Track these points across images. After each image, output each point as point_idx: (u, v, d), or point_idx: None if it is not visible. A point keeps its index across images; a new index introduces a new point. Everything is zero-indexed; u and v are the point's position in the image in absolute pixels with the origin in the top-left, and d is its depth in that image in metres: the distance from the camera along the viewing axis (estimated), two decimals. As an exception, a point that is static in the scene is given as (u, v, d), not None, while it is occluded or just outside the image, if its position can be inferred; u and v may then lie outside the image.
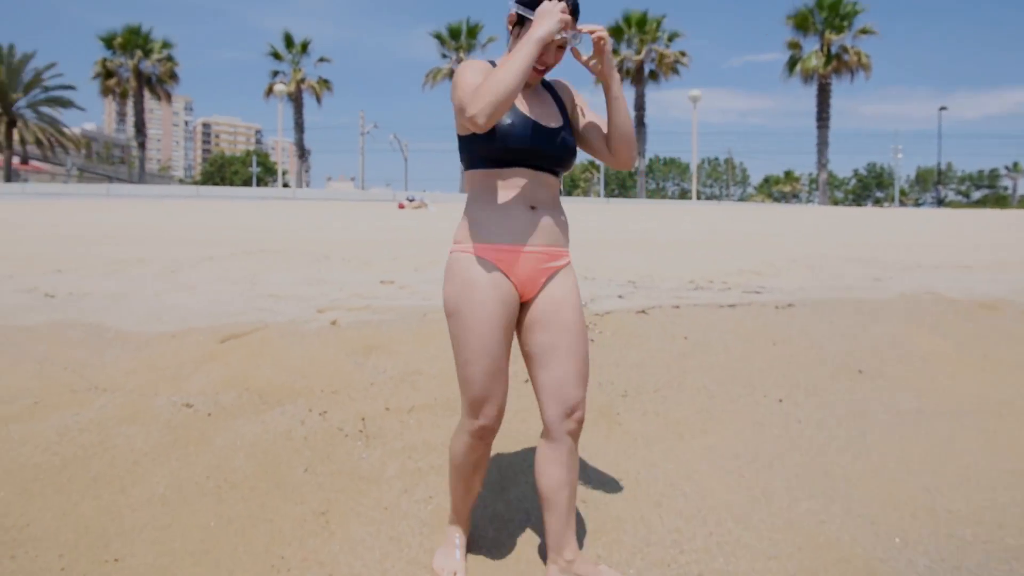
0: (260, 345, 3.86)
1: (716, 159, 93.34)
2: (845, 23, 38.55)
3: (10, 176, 41.99)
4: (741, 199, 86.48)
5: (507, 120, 2.05)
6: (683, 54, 39.24)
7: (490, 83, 1.88)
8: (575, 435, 2.14)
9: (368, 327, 4.14)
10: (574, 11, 2.04)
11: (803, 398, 3.67)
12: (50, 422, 2.99)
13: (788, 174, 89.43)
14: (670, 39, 39.15)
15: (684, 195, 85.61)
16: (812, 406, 3.58)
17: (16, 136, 41.80)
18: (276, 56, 44.31)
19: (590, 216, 21.60)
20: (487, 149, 2.07)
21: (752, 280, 6.87)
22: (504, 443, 2.94)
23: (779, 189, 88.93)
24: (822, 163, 41.52)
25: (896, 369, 4.18)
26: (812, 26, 38.95)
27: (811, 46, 39.59)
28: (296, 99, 45.03)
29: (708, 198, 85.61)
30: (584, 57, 2.05)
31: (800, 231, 16.55)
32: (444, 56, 42.85)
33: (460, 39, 41.83)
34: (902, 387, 3.94)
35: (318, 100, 45.83)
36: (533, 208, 2.08)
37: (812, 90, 40.34)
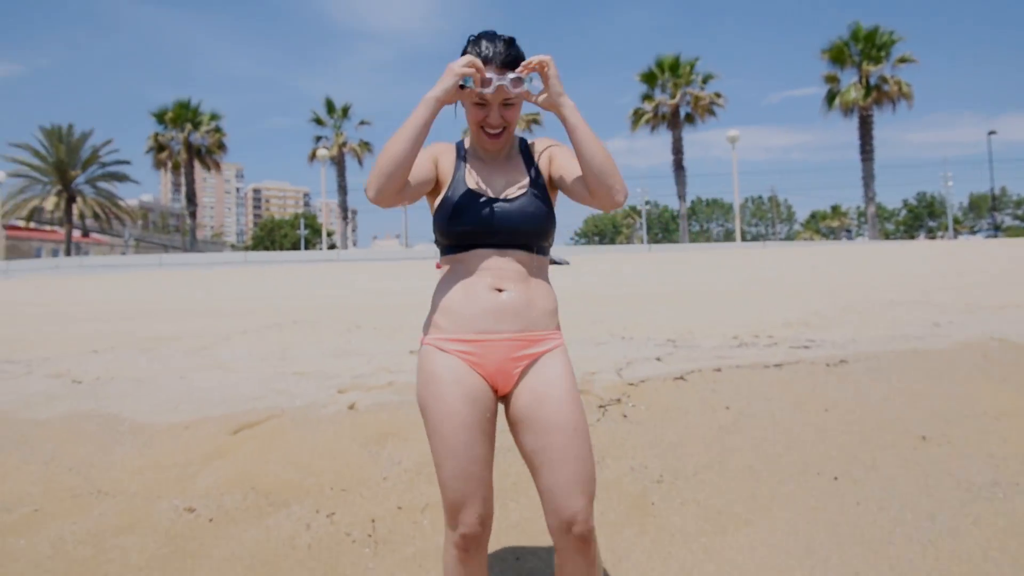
0: (272, 437, 3.67)
1: (760, 197, 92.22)
2: (883, 53, 37.94)
3: (70, 250, 43.76)
4: (788, 237, 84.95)
5: (453, 198, 1.90)
6: (718, 95, 39.08)
7: (379, 155, 1.78)
8: (583, 550, 1.81)
9: (386, 411, 3.93)
10: (497, 61, 1.85)
11: (862, 474, 3.30)
12: (47, 533, 2.83)
13: (835, 209, 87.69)
14: (704, 81, 39.06)
15: (729, 236, 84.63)
16: (872, 483, 3.21)
17: (76, 211, 43.64)
18: (319, 121, 45.67)
19: (629, 266, 21.29)
20: (439, 232, 1.93)
21: (800, 333, 6.48)
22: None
23: (827, 224, 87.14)
24: (869, 196, 40.48)
25: (964, 432, 3.77)
26: (849, 58, 38.41)
27: (849, 78, 38.99)
28: (339, 162, 46.20)
29: (753, 237, 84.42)
30: (535, 96, 1.85)
31: (850, 271, 15.94)
32: (480, 112, 43.68)
33: (495, 95, 42.61)
34: (973, 454, 3.53)
35: (359, 162, 46.90)
36: (499, 291, 1.86)
37: (853, 123, 39.63)
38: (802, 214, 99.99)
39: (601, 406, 3.95)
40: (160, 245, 62.17)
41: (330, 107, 45.30)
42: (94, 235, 56.74)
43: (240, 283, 18.90)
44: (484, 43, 1.87)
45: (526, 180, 1.94)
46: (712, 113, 39.32)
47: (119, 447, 3.65)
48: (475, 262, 1.86)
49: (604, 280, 15.49)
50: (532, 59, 1.81)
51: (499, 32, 1.93)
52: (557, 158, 1.97)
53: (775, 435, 3.61)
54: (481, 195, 1.89)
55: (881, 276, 13.99)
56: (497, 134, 1.91)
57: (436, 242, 1.97)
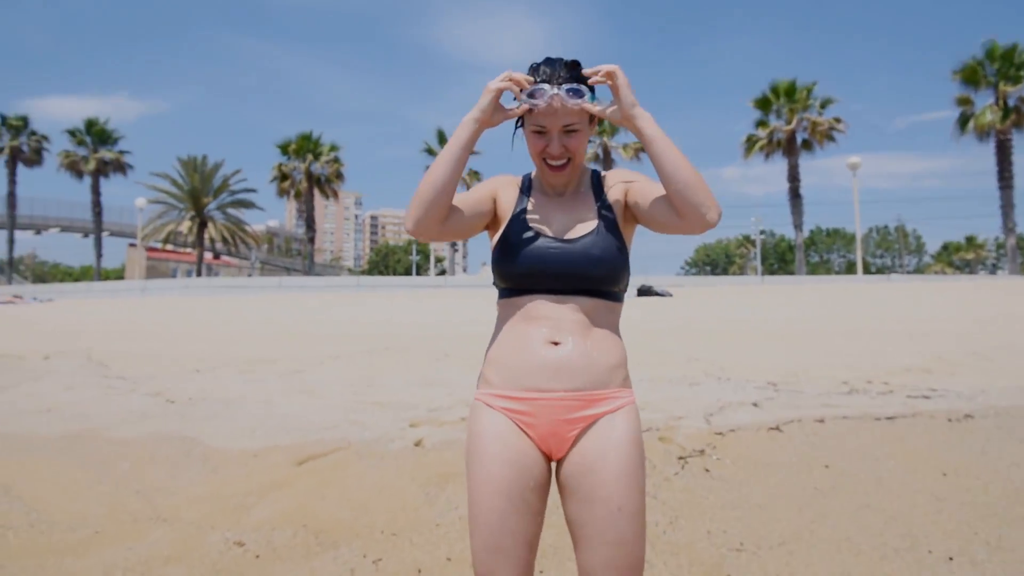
0: (334, 470, 3.58)
1: (886, 227, 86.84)
2: (1022, 73, 34.93)
3: (201, 271, 46.89)
4: (917, 270, 79.42)
5: (509, 237, 1.70)
6: (838, 120, 37.12)
7: (420, 183, 1.63)
8: None
9: (452, 449, 3.76)
10: (556, 82, 1.64)
11: (983, 555, 2.81)
12: (101, 557, 2.82)
13: (970, 240, 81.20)
14: (823, 106, 37.21)
15: (851, 267, 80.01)
16: (996, 567, 2.72)
17: (207, 235, 46.79)
18: (430, 151, 47.03)
19: (737, 300, 20.38)
20: (496, 274, 1.73)
21: (920, 380, 5.84)
22: None
23: (961, 257, 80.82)
24: (1008, 227, 37.07)
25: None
26: (983, 79, 35.56)
27: (984, 100, 36.04)
28: (449, 190, 47.30)
29: (878, 270, 79.43)
30: (600, 107, 1.65)
31: (983, 310, 14.51)
32: (588, 141, 43.65)
33: (603, 123, 42.42)
34: None
35: (468, 190, 47.89)
36: (556, 344, 1.64)
37: (989, 148, 36.55)
38: (933, 245, 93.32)
39: (681, 457, 3.62)
40: (283, 268, 65.67)
41: (441, 138, 46.53)
42: (224, 257, 60.62)
43: (347, 307, 19.48)
44: (543, 67, 1.69)
45: (594, 217, 1.72)
46: (832, 139, 37.40)
47: (187, 472, 3.67)
48: (531, 309, 1.66)
49: (708, 314, 14.84)
50: (599, 68, 1.62)
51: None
52: (634, 185, 1.75)
53: (880, 501, 3.16)
54: (540, 235, 1.69)
55: (1021, 316, 12.61)
56: (560, 166, 1.69)
57: (494, 283, 1.78)
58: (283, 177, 46.03)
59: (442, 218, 1.64)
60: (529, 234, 1.69)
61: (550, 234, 1.69)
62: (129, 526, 3.09)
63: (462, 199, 1.73)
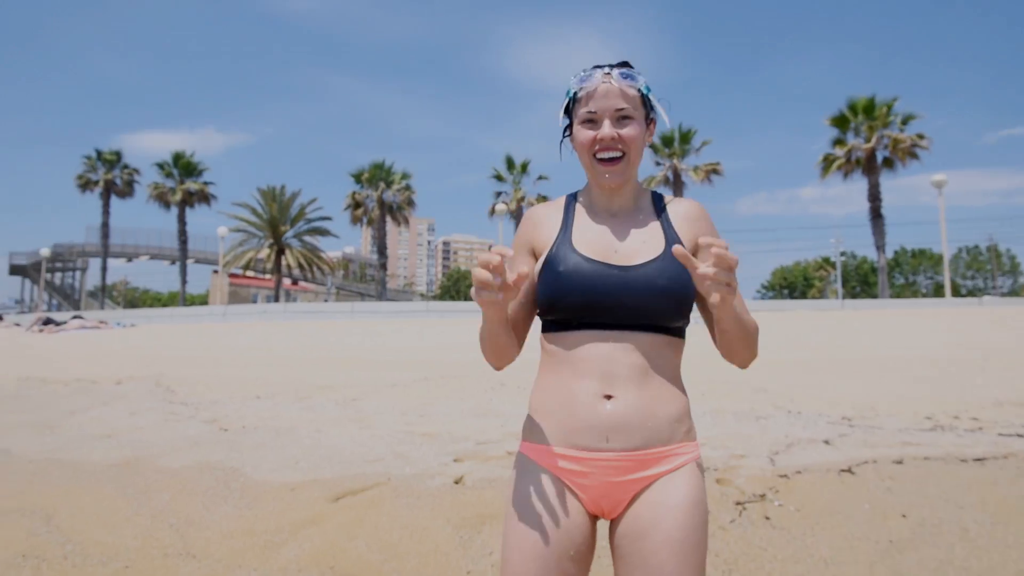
0: (370, 507, 3.44)
1: (976, 247, 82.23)
2: None
3: (279, 296, 48.38)
4: (1012, 292, 74.76)
5: (554, 263, 1.49)
6: (921, 136, 35.36)
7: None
8: None
9: (492, 488, 3.58)
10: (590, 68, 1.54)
11: (1097, 629, 2.43)
12: (128, 597, 2.76)
13: (1073, 260, 75.97)
14: (904, 122, 35.54)
15: (938, 289, 76.02)
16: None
17: (284, 262, 48.29)
18: (499, 178, 47.37)
19: (814, 325, 19.50)
20: (541, 305, 1.53)
21: (1015, 416, 5.31)
22: None
23: (1063, 278, 75.65)
24: (1119, 247, 34.49)
25: None
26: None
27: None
28: (517, 216, 47.43)
29: (969, 292, 75.14)
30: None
31: (1093, 335, 13.37)
32: (657, 164, 42.99)
33: (673, 146, 41.81)
34: None
35: (537, 215, 47.89)
36: (608, 397, 1.43)
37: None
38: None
39: (739, 503, 3.32)
40: (357, 293, 67.13)
41: (510, 164, 46.85)
42: (302, 283, 62.45)
43: (412, 333, 19.61)
44: (584, 70, 1.54)
45: (659, 240, 1.50)
46: (915, 156, 35.69)
47: (223, 506, 3.60)
48: (579, 349, 1.45)
49: (781, 340, 14.20)
50: (717, 244, 1.22)
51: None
52: (705, 250, 1.44)
53: (965, 558, 2.80)
54: (591, 259, 1.47)
55: None
56: (613, 159, 1.49)
57: (538, 314, 1.58)
58: (356, 205, 47.21)
59: (517, 350, 1.55)
60: (576, 259, 1.47)
61: (605, 259, 1.48)
62: (159, 562, 3.03)
63: (515, 299, 1.55)
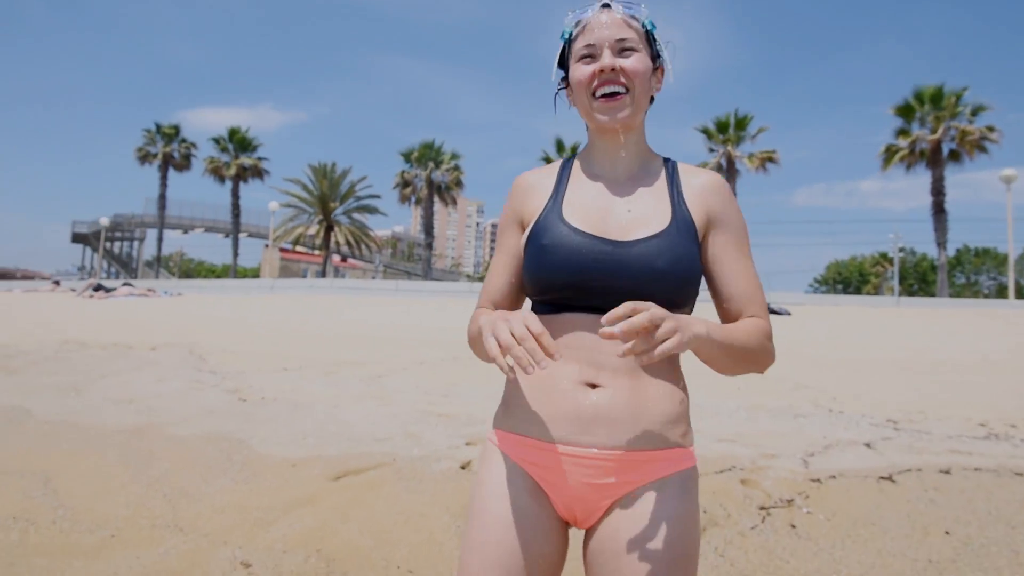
0: (369, 488, 3.28)
1: (1046, 249, 78.46)
2: None
3: (327, 272, 49.03)
4: (1084, 297, 71.24)
5: (540, 236, 1.28)
6: (991, 129, 33.58)
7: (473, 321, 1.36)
8: None
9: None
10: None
11: None
12: (104, 565, 2.65)
13: None
14: (973, 114, 33.79)
15: (1002, 290, 72.95)
16: None
17: (333, 239, 48.87)
18: (548, 160, 46.94)
19: (866, 322, 18.78)
20: (526, 284, 1.32)
21: (1082, 427, 4.87)
22: None
23: None
24: None
25: None
26: None
27: None
28: (565, 199, 47.05)
29: (1036, 295, 71.87)
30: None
31: None
32: (711, 151, 41.95)
33: (728, 132, 40.71)
34: None
35: (585, 199, 47.42)
36: (592, 386, 1.22)
37: None
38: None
39: (764, 507, 3.05)
40: (404, 272, 67.72)
41: (560, 146, 46.34)
42: (351, 260, 63.24)
43: (453, 313, 19.52)
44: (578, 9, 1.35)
45: (665, 213, 1.27)
46: (983, 150, 33.98)
47: (222, 479, 3.48)
48: (566, 335, 1.24)
49: (830, 336, 13.64)
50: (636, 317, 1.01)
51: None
52: (720, 233, 1.29)
53: (1019, 586, 2.49)
54: (582, 232, 1.26)
55: None
56: (614, 94, 1.26)
57: (527, 294, 1.38)
58: (405, 184, 47.38)
59: None
60: (564, 230, 1.26)
61: (597, 232, 1.26)
62: (146, 532, 2.92)
63: (501, 278, 1.39)
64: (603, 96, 1.27)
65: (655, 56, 1.33)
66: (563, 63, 1.37)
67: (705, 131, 41.54)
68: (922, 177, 37.03)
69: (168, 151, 48.07)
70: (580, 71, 1.29)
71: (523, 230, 1.36)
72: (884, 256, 77.10)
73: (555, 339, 1.24)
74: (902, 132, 35.44)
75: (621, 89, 1.26)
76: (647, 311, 1.01)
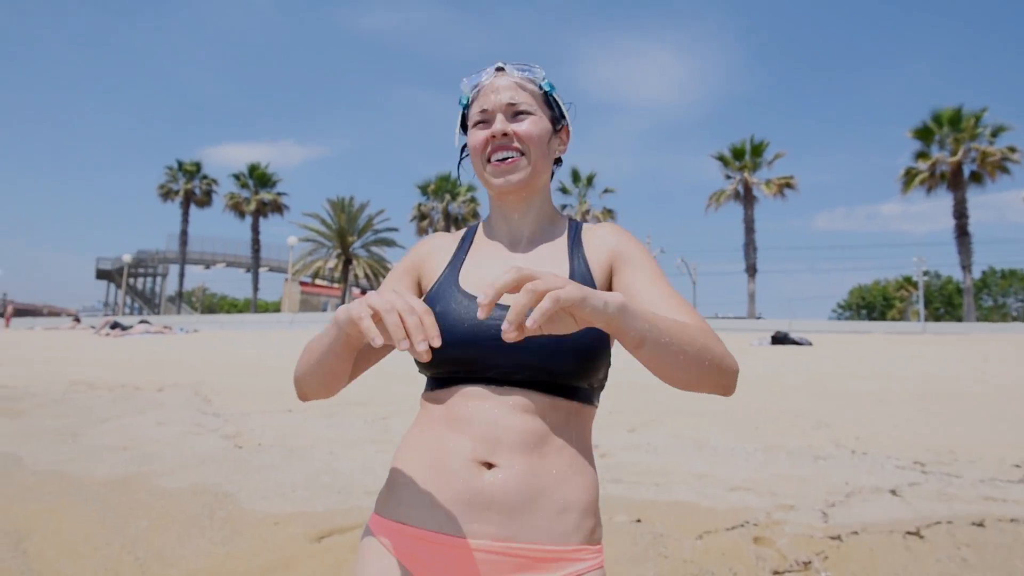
0: (350, 552, 3.07)
1: (1075, 270, 76.86)
2: None
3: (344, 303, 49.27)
4: (1117, 318, 69.52)
5: (435, 303, 1.16)
6: (1012, 150, 33.04)
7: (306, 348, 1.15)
8: None
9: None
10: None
11: None
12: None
13: None
14: (994, 134, 33.33)
15: (1032, 314, 71.34)
16: None
17: (351, 272, 49.09)
18: (564, 190, 46.98)
19: (890, 351, 18.30)
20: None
21: None
22: None
23: None
24: None
25: None
26: None
27: None
28: (581, 228, 46.97)
29: (1068, 317, 70.25)
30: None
31: None
32: (728, 177, 41.71)
33: (744, 159, 40.48)
34: None
35: (603, 229, 47.32)
36: (489, 465, 1.05)
37: None
38: None
39: (778, 572, 2.79)
40: (421, 304, 67.68)
41: (575, 176, 46.44)
42: (370, 293, 63.42)
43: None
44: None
45: (564, 273, 1.18)
46: (1005, 171, 33.44)
47: (198, 539, 3.29)
48: (459, 407, 1.10)
49: (853, 366, 13.24)
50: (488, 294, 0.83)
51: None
52: (628, 273, 1.16)
53: (1067, 667, 2.21)
54: (475, 298, 1.14)
55: None
56: (508, 160, 1.20)
57: (419, 369, 1.22)
58: (422, 216, 47.70)
59: (343, 383, 1.14)
60: (460, 299, 1.14)
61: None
62: (110, 604, 2.73)
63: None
64: (497, 161, 1.22)
65: (556, 118, 1.27)
66: (465, 128, 1.31)
67: (721, 158, 41.37)
68: (944, 199, 36.56)
69: (189, 188, 48.80)
70: (475, 137, 1.25)
71: (418, 288, 1.27)
72: (908, 280, 75.98)
73: (448, 408, 1.11)
74: (921, 155, 35.04)
75: (514, 154, 1.22)
76: (540, 279, 0.83)
